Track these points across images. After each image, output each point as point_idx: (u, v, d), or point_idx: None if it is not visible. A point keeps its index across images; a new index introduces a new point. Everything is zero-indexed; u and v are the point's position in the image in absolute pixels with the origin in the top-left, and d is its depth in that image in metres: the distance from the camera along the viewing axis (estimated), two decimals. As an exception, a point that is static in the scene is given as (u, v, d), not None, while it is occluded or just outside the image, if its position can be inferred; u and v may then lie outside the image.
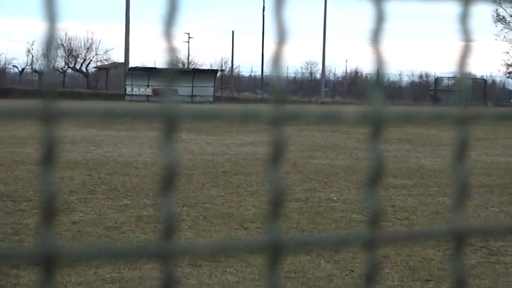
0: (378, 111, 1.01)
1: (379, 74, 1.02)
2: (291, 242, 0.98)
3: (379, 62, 1.03)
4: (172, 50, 0.90)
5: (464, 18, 1.03)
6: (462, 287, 1.04)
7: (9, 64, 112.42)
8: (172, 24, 0.91)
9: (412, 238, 1.13)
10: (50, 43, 0.86)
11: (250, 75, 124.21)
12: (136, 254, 0.96)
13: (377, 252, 1.05)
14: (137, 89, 79.06)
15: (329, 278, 9.11)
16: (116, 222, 11.80)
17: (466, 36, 1.07)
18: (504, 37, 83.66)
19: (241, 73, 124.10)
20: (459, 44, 1.08)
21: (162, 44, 0.89)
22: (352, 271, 9.36)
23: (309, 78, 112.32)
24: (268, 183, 0.97)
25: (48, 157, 0.91)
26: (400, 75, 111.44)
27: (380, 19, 1.01)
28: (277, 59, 0.93)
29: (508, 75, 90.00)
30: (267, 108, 0.94)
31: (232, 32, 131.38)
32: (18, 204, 13.48)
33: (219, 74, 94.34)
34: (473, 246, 10.66)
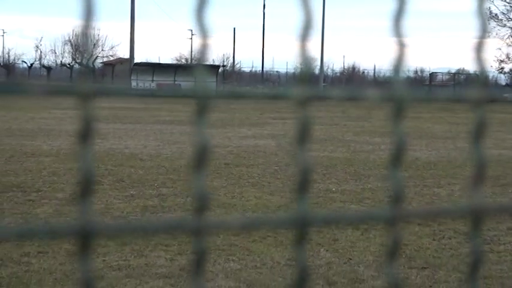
0: (399, 92, 1.01)
1: (399, 62, 1.03)
2: (318, 217, 0.99)
3: (401, 52, 1.04)
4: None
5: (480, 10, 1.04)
6: (479, 263, 1.04)
7: (18, 59, 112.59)
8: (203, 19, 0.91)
9: (432, 215, 1.13)
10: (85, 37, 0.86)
11: (251, 70, 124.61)
12: (170, 229, 0.96)
13: (400, 228, 1.05)
14: (142, 83, 79.15)
15: (328, 265, 9.12)
16: (123, 212, 11.82)
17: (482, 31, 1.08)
18: (496, 34, 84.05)
19: (242, 68, 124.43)
20: (473, 39, 1.10)
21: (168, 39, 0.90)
22: (350, 259, 9.38)
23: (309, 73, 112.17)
24: (296, 160, 0.97)
25: (86, 134, 0.92)
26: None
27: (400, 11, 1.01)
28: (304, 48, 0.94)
29: (500, 70, 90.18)
30: (295, 89, 0.95)
31: (234, 29, 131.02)
32: (28, 194, 13.49)
33: (221, 69, 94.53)
34: (467, 236, 10.67)
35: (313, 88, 0.88)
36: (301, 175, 0.85)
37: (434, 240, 10.54)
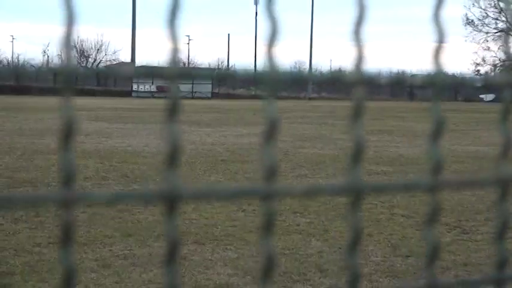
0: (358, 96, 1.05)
1: (358, 65, 1.05)
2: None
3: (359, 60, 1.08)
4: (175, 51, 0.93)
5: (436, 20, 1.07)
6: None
7: (27, 63, 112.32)
8: (174, 26, 0.93)
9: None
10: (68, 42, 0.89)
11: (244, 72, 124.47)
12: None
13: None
14: (143, 86, 79.38)
15: (319, 254, 9.15)
16: (127, 205, 11.78)
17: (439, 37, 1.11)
18: (473, 39, 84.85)
19: (236, 70, 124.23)
20: (432, 44, 1.13)
21: (167, 45, 0.93)
22: (340, 248, 9.40)
23: (297, 75, 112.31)
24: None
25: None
26: (379, 72, 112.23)
27: (360, 19, 1.04)
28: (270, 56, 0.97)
29: (476, 73, 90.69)
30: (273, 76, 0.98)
31: (228, 35, 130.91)
32: (38, 189, 13.50)
33: (216, 72, 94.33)
34: (448, 226, 10.71)
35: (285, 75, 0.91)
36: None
37: (417, 230, 10.57)
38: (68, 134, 0.84)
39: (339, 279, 8.07)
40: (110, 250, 8.99)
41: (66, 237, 0.93)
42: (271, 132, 0.96)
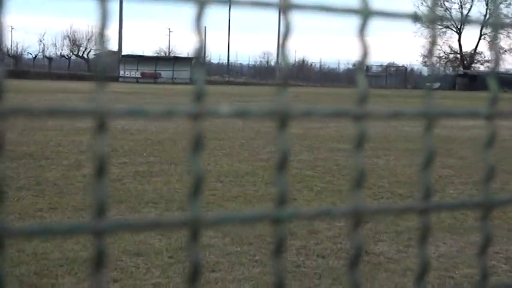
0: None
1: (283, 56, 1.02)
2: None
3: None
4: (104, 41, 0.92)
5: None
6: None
7: (24, 51, 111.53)
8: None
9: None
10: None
11: (218, 62, 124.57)
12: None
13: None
14: (128, 72, 78.93)
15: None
16: (118, 176, 11.79)
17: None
18: (421, 34, 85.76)
19: (212, 60, 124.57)
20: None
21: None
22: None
23: (266, 66, 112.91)
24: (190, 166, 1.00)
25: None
26: (338, 63, 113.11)
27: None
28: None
29: (424, 64, 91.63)
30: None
31: (205, 27, 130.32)
32: (38, 161, 13.45)
33: (194, 61, 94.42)
34: (401, 196, 10.79)
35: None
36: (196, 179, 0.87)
37: (374, 200, 10.65)
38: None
39: (307, 242, 8.11)
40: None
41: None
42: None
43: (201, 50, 0.72)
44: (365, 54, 0.84)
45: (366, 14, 0.75)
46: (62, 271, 6.67)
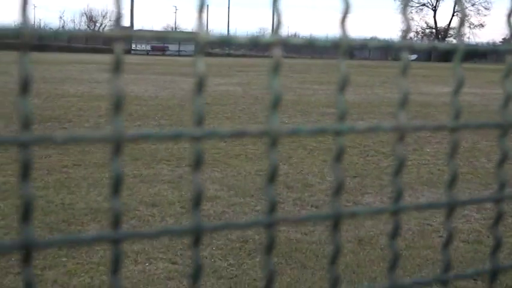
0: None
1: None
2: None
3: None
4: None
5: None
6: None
7: (46, 27, 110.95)
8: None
9: None
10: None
11: (220, 35, 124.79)
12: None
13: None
14: (139, 45, 78.44)
15: (286, 175, 9.19)
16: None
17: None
18: (400, 11, 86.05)
19: (214, 34, 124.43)
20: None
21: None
22: (302, 170, 9.46)
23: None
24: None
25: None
26: (326, 37, 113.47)
27: None
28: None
29: (402, 37, 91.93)
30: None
31: (207, 5, 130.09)
32: (62, 124, 13.44)
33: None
34: (384, 154, 10.80)
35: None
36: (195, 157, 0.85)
37: (361, 157, 10.66)
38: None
39: (302, 194, 8.13)
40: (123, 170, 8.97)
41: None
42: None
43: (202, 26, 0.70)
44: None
45: None
46: (87, 219, 6.71)
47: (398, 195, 0.71)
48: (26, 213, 0.60)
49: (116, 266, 0.66)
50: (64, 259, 5.54)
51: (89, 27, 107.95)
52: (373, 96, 22.35)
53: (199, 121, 0.67)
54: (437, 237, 6.65)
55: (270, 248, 0.69)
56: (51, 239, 0.61)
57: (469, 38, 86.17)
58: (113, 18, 0.68)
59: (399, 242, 4.41)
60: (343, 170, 0.70)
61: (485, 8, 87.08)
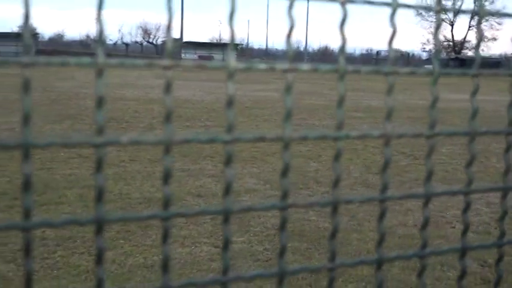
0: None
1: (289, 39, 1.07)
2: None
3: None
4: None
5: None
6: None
7: (106, 38, 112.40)
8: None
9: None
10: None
11: (258, 47, 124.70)
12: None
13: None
14: (188, 55, 78.98)
15: (316, 171, 9.24)
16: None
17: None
18: (421, 25, 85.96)
19: (253, 46, 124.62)
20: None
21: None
22: (330, 167, 9.49)
23: (297, 51, 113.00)
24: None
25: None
26: (354, 49, 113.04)
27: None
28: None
29: (422, 49, 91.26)
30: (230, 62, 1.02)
31: (248, 21, 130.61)
32: (120, 124, 13.65)
33: (239, 46, 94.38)
34: (404, 154, 10.78)
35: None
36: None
37: (383, 157, 10.65)
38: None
39: (329, 188, 8.18)
40: (173, 165, 9.11)
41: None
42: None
43: (233, 39, 0.78)
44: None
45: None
46: (141, 207, 6.85)
47: (384, 187, 0.80)
48: (100, 196, 0.70)
49: (165, 239, 0.75)
50: (121, 241, 5.68)
51: (143, 38, 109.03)
52: (394, 102, 22.27)
53: (230, 128, 0.76)
54: (450, 228, 6.66)
55: (283, 226, 0.78)
56: (117, 216, 0.71)
57: (483, 50, 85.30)
58: (165, 31, 0.77)
59: (414, 231, 4.45)
60: (341, 167, 0.78)
61: (498, 23, 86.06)
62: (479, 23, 0.83)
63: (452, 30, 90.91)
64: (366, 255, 5.61)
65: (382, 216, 0.80)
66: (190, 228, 6.12)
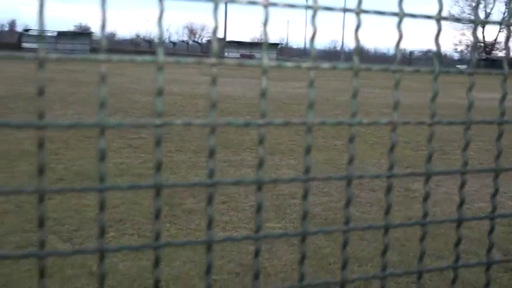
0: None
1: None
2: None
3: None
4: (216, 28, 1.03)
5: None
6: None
7: (155, 37, 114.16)
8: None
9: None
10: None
11: (297, 47, 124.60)
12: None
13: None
14: (230, 53, 79.28)
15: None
16: (224, 129, 12.06)
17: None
18: (453, 27, 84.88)
19: (292, 46, 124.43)
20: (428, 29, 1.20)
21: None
22: (363, 160, 9.51)
23: (334, 50, 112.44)
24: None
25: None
26: (388, 49, 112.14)
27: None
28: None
29: (454, 50, 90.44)
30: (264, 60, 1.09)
31: (287, 21, 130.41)
32: (167, 117, 13.79)
33: (279, 46, 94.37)
34: (434, 149, 10.75)
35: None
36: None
37: (413, 151, 10.61)
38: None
39: (361, 180, 8.22)
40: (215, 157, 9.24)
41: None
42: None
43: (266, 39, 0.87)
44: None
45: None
46: (185, 194, 6.99)
47: (391, 167, 0.89)
48: (158, 167, 0.80)
49: (209, 202, 0.85)
50: (168, 225, 5.83)
51: (189, 38, 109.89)
52: (425, 100, 22.07)
53: (264, 115, 0.86)
54: (477, 220, 6.65)
55: (305, 196, 0.87)
56: (170, 183, 0.82)
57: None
58: (211, 30, 0.86)
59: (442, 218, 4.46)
60: (354, 149, 0.88)
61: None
62: (508, 25, 0.90)
63: (483, 32, 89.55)
64: (395, 242, 5.67)
65: (389, 190, 0.89)
66: (231, 215, 6.25)
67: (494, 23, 0.89)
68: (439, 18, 0.86)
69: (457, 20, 0.91)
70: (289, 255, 5.26)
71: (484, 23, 0.87)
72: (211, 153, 0.83)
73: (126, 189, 0.81)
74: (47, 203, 6.42)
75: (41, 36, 0.61)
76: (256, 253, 0.85)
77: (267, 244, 5.40)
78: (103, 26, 0.65)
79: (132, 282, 4.50)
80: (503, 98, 0.92)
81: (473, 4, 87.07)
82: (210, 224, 0.83)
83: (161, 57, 0.75)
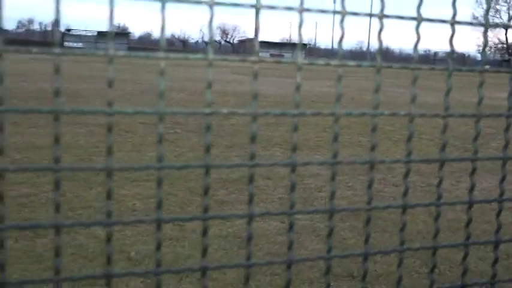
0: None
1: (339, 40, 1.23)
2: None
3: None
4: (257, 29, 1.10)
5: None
6: None
7: (189, 37, 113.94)
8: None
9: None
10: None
11: (325, 47, 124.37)
12: None
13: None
14: (261, 53, 79.45)
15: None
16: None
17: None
18: (477, 29, 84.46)
19: (320, 46, 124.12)
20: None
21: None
22: (387, 157, 9.51)
23: (360, 51, 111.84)
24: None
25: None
26: (412, 50, 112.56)
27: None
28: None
29: (478, 51, 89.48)
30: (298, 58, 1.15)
31: (316, 22, 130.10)
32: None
33: (307, 46, 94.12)
34: (455, 147, 10.67)
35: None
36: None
37: (436, 148, 10.58)
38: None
39: (385, 175, 8.23)
40: (246, 152, 9.33)
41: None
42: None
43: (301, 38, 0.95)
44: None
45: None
46: (218, 186, 7.08)
47: (409, 154, 0.96)
48: (207, 149, 0.88)
49: (250, 181, 0.93)
50: (200, 214, 5.94)
51: (222, 38, 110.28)
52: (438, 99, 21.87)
53: (297, 106, 0.93)
54: (495, 214, 6.64)
55: (333, 177, 0.95)
56: (219, 163, 0.90)
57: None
58: (242, 31, 0.94)
59: (463, 216, 4.52)
60: (376, 137, 0.95)
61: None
62: None
63: (506, 33, 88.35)
64: (416, 235, 5.70)
65: (407, 174, 0.96)
66: (261, 206, 6.33)
67: (503, 26, 0.95)
68: (453, 23, 0.93)
69: (470, 24, 0.97)
70: (316, 245, 5.33)
71: (494, 26, 0.93)
72: (253, 139, 0.91)
73: (178, 168, 0.89)
74: (90, 192, 6.60)
75: (110, 35, 0.70)
76: (290, 243, 0.93)
77: (295, 234, 5.47)
78: (162, 28, 0.73)
79: (168, 267, 4.61)
80: (511, 94, 0.99)
81: (490, 7, 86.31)
82: (251, 200, 0.91)
83: (211, 55, 0.83)
